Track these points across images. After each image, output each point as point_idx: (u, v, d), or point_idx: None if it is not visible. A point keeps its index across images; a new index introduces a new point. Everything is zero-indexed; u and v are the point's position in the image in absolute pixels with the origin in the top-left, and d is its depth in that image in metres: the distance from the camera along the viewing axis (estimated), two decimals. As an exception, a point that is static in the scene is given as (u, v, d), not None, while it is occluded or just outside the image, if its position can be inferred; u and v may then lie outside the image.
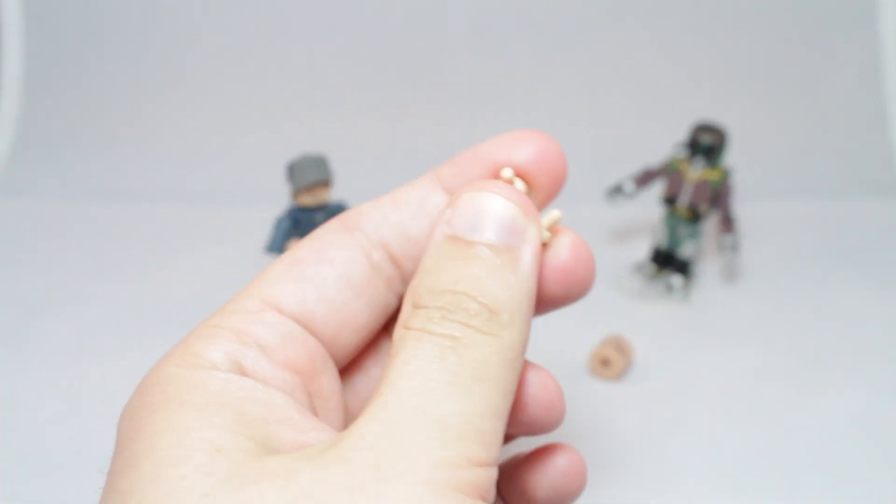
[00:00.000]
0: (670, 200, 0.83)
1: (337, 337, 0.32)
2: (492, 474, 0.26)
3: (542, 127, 1.15)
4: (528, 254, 0.29)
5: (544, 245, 0.32)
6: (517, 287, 0.28)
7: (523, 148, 0.33)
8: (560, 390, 0.34)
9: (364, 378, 0.35)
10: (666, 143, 0.91)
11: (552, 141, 0.33)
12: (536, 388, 0.32)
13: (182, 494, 0.24)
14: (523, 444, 0.38)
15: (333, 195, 0.77)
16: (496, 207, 0.29)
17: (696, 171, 0.82)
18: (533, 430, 0.34)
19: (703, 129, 0.82)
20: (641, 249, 0.91)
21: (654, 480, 0.64)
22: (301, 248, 0.33)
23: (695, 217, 0.83)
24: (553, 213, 0.32)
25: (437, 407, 0.25)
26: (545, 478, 0.35)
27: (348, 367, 0.34)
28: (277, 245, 0.73)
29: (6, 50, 1.16)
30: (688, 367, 0.75)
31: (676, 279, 0.84)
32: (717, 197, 0.82)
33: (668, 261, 0.85)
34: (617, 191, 0.85)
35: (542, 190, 0.33)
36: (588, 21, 1.16)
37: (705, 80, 1.16)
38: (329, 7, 1.16)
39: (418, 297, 0.28)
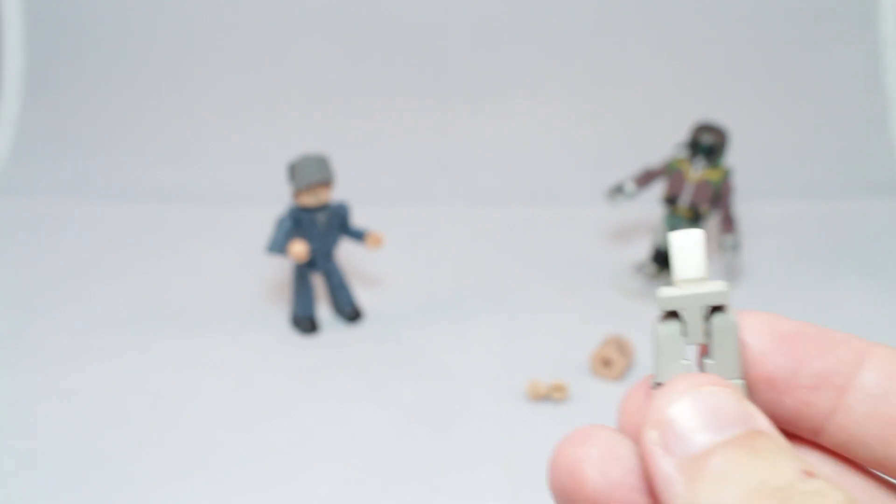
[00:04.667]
0: (671, 200, 0.83)
1: None
2: None
3: (543, 127, 1.15)
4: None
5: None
6: None
7: None
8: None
9: None
10: (666, 143, 0.91)
11: None
12: None
13: None
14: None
15: (334, 195, 0.77)
16: None
17: (697, 171, 0.82)
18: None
19: (704, 129, 0.82)
20: (642, 249, 0.91)
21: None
22: None
23: (695, 217, 0.83)
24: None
25: None
26: None
27: None
28: (279, 245, 0.73)
29: (6, 50, 1.16)
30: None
31: (677, 279, 0.84)
32: (718, 197, 0.82)
33: (668, 261, 0.85)
34: (618, 191, 0.85)
35: None
36: (589, 22, 1.16)
37: (705, 80, 1.16)
38: (329, 8, 1.16)
39: None
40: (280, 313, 0.81)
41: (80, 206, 1.03)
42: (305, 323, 0.78)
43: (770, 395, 0.24)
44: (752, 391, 0.24)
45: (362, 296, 0.83)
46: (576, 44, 1.16)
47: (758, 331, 0.24)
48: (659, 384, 0.24)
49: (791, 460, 0.20)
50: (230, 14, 1.16)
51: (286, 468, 0.62)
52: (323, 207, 0.75)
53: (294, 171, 0.73)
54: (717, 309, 0.24)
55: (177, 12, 1.15)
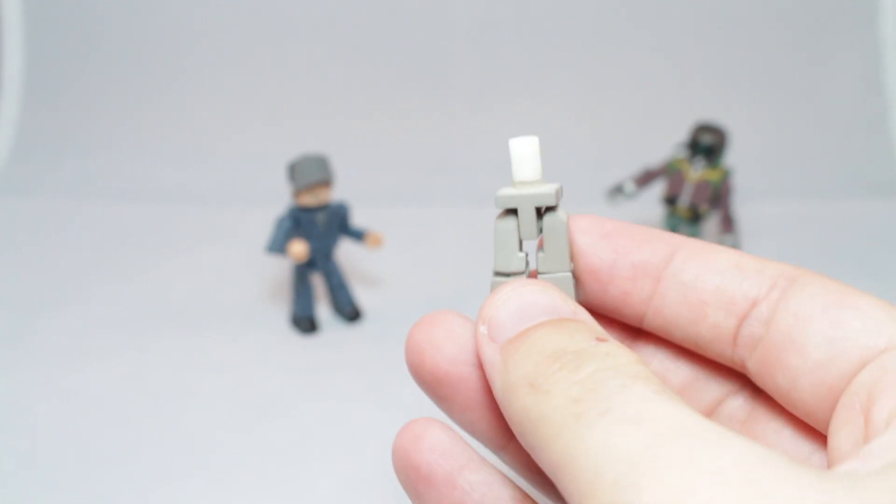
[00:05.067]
0: (671, 200, 0.83)
1: None
2: None
3: (543, 127, 1.15)
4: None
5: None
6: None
7: None
8: None
9: None
10: (666, 143, 0.91)
11: None
12: None
13: None
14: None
15: (334, 195, 0.77)
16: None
17: (697, 171, 0.82)
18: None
19: (704, 129, 0.82)
20: (642, 249, 0.91)
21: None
22: None
23: (695, 217, 0.83)
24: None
25: None
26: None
27: None
28: (278, 245, 0.73)
29: (6, 50, 1.16)
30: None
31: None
32: (718, 197, 0.82)
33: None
34: (617, 191, 0.85)
35: None
36: (588, 22, 1.16)
37: (705, 80, 1.16)
38: (329, 8, 1.16)
39: None
40: (280, 313, 0.81)
41: (80, 206, 1.03)
42: (305, 323, 0.78)
43: (596, 286, 0.27)
44: (581, 283, 0.27)
45: (362, 296, 0.83)
46: (576, 44, 1.16)
47: (584, 229, 0.27)
48: (497, 273, 0.27)
49: (589, 333, 0.23)
50: (230, 14, 1.16)
51: (286, 468, 0.62)
52: (323, 207, 0.75)
53: (294, 170, 0.73)
54: (550, 209, 0.27)
55: (177, 12, 1.15)
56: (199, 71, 1.16)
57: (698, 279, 0.25)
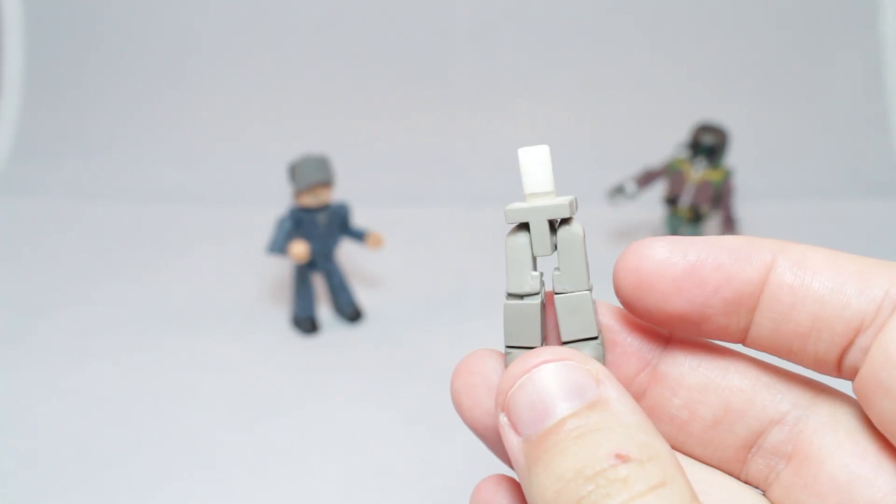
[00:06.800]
0: (672, 201, 0.83)
1: None
2: None
3: (543, 127, 1.14)
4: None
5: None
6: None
7: None
8: None
9: None
10: (666, 143, 0.91)
11: None
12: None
13: None
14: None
15: (335, 195, 0.77)
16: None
17: (698, 172, 0.82)
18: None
19: (705, 129, 0.82)
20: (642, 250, 0.91)
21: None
22: None
23: (696, 217, 0.83)
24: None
25: None
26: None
27: None
28: (279, 245, 0.73)
29: (6, 50, 1.16)
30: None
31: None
32: (719, 197, 0.82)
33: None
34: (618, 191, 0.85)
35: None
36: (589, 22, 1.16)
37: (706, 80, 1.16)
38: (330, 9, 1.16)
39: None
40: (280, 313, 0.81)
41: (80, 206, 1.03)
42: (306, 323, 0.78)
43: (690, 328, 0.25)
44: (671, 326, 0.25)
45: (363, 296, 0.83)
46: (576, 45, 1.16)
47: (661, 263, 0.24)
48: (510, 294, 0.25)
49: (607, 442, 0.20)
50: (231, 14, 1.16)
51: (286, 468, 0.62)
52: (323, 208, 0.75)
53: (294, 171, 0.73)
54: (564, 222, 0.25)
55: (177, 13, 1.15)
56: (200, 71, 1.16)
57: (794, 310, 0.23)
